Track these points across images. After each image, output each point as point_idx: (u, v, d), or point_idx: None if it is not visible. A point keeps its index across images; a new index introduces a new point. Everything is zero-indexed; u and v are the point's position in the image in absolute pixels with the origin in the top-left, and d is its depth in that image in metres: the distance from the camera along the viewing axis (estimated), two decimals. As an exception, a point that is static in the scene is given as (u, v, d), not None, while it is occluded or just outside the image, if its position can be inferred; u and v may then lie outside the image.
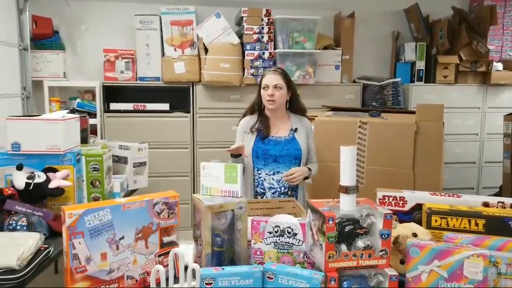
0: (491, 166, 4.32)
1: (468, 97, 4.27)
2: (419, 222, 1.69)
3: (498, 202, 1.81)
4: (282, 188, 2.48)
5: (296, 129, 2.54)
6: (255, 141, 2.52)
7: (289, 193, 2.48)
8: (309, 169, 2.51)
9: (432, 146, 2.66)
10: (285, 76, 2.52)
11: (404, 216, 1.87)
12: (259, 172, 2.50)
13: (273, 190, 2.47)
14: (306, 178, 2.49)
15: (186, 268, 1.35)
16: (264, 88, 2.49)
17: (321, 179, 2.61)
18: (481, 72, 4.26)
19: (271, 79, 2.48)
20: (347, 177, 1.38)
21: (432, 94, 4.19)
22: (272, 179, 2.48)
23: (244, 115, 2.64)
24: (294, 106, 2.60)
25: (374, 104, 4.06)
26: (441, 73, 4.20)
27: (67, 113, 2.55)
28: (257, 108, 2.59)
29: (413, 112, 2.89)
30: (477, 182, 4.40)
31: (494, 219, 1.59)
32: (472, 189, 4.38)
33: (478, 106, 4.29)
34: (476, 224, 1.60)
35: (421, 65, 4.28)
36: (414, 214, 1.85)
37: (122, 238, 1.42)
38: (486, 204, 1.80)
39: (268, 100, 2.48)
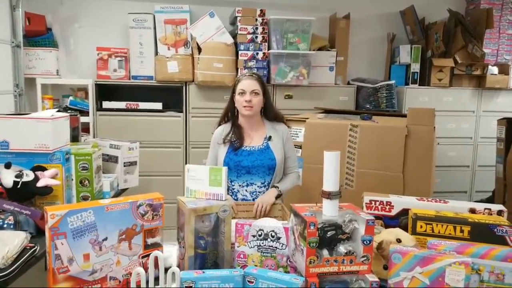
0: (485, 170, 4.31)
1: (463, 101, 4.26)
2: (406, 228, 1.69)
3: (485, 208, 1.81)
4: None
5: (270, 137, 2.44)
6: (227, 153, 2.43)
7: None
8: (277, 188, 2.37)
9: (422, 150, 2.66)
10: (261, 81, 2.43)
11: (390, 221, 1.87)
12: (232, 183, 2.42)
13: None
14: (278, 196, 2.36)
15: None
16: (240, 93, 2.38)
17: (311, 181, 2.61)
18: (476, 75, 4.25)
19: (248, 84, 2.38)
20: (330, 182, 1.38)
21: (427, 96, 4.18)
22: (246, 190, 2.41)
23: (219, 124, 2.56)
24: (269, 113, 2.50)
25: (368, 106, 4.06)
26: (436, 76, 4.20)
27: (57, 111, 2.54)
28: (230, 115, 2.52)
29: (405, 116, 2.89)
30: (470, 186, 4.40)
31: (479, 226, 1.60)
32: (465, 192, 4.38)
33: (472, 109, 4.29)
34: (462, 231, 1.61)
35: (416, 67, 4.27)
36: (400, 220, 1.85)
37: (105, 239, 1.42)
38: (472, 211, 1.80)
39: (245, 106, 2.37)
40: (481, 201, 3.25)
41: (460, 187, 4.35)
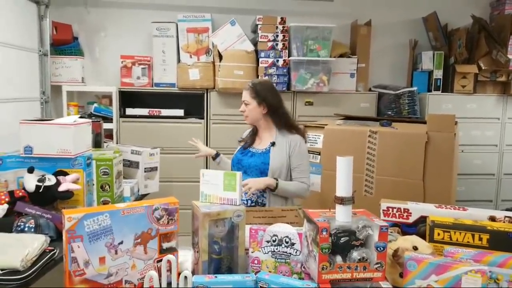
0: (511, 178, 4.22)
1: (487, 108, 4.18)
2: (424, 235, 1.67)
3: (505, 216, 1.77)
4: (249, 202, 2.40)
5: (273, 143, 2.47)
6: (238, 151, 2.59)
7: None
8: (275, 180, 2.37)
9: (443, 157, 2.61)
10: (255, 91, 2.47)
11: (408, 228, 1.85)
12: None
13: None
14: (274, 189, 2.37)
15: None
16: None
17: (329, 189, 2.57)
18: (501, 82, 4.16)
19: (243, 95, 2.52)
20: (342, 188, 1.38)
21: (450, 103, 4.12)
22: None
23: None
24: (275, 119, 2.51)
25: (390, 113, 4.02)
26: (459, 82, 4.13)
27: (80, 117, 2.61)
28: None
29: (425, 122, 2.85)
30: (496, 194, 4.29)
31: (499, 234, 1.56)
32: (490, 201, 4.27)
33: (497, 116, 4.19)
34: (480, 239, 1.57)
35: (438, 74, 4.20)
36: (418, 227, 1.83)
37: (121, 243, 1.44)
38: (492, 218, 1.76)
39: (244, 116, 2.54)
40: (507, 210, 3.17)
41: (485, 195, 4.26)
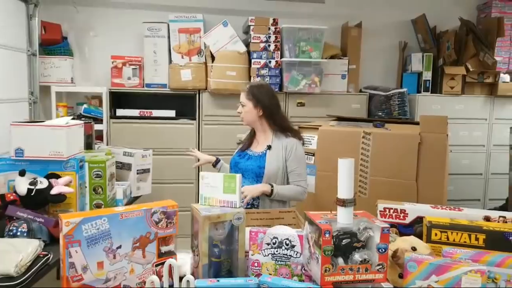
0: (498, 178, 4.28)
1: (475, 109, 4.24)
2: (420, 235, 1.68)
3: (500, 216, 1.79)
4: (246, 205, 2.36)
5: (269, 146, 2.47)
6: (236, 153, 2.60)
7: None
8: (270, 186, 2.37)
9: (435, 158, 2.64)
10: (252, 93, 2.48)
11: (404, 229, 1.86)
12: None
13: None
14: (270, 194, 2.36)
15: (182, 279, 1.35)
16: None
17: (323, 189, 2.59)
18: (488, 83, 4.23)
19: (240, 96, 2.53)
20: (344, 190, 1.38)
21: (439, 104, 4.17)
22: None
23: None
24: (270, 122, 2.51)
25: (380, 114, 4.05)
26: (448, 84, 4.18)
27: (72, 118, 2.57)
28: None
29: (418, 123, 2.88)
30: (483, 194, 4.36)
31: (494, 234, 1.58)
32: (478, 200, 4.34)
33: (485, 117, 4.26)
34: (477, 239, 1.59)
35: (427, 75, 4.26)
36: (415, 227, 1.84)
37: (119, 247, 1.42)
38: (487, 218, 1.79)
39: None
40: (495, 209, 3.22)
41: (473, 195, 4.32)
